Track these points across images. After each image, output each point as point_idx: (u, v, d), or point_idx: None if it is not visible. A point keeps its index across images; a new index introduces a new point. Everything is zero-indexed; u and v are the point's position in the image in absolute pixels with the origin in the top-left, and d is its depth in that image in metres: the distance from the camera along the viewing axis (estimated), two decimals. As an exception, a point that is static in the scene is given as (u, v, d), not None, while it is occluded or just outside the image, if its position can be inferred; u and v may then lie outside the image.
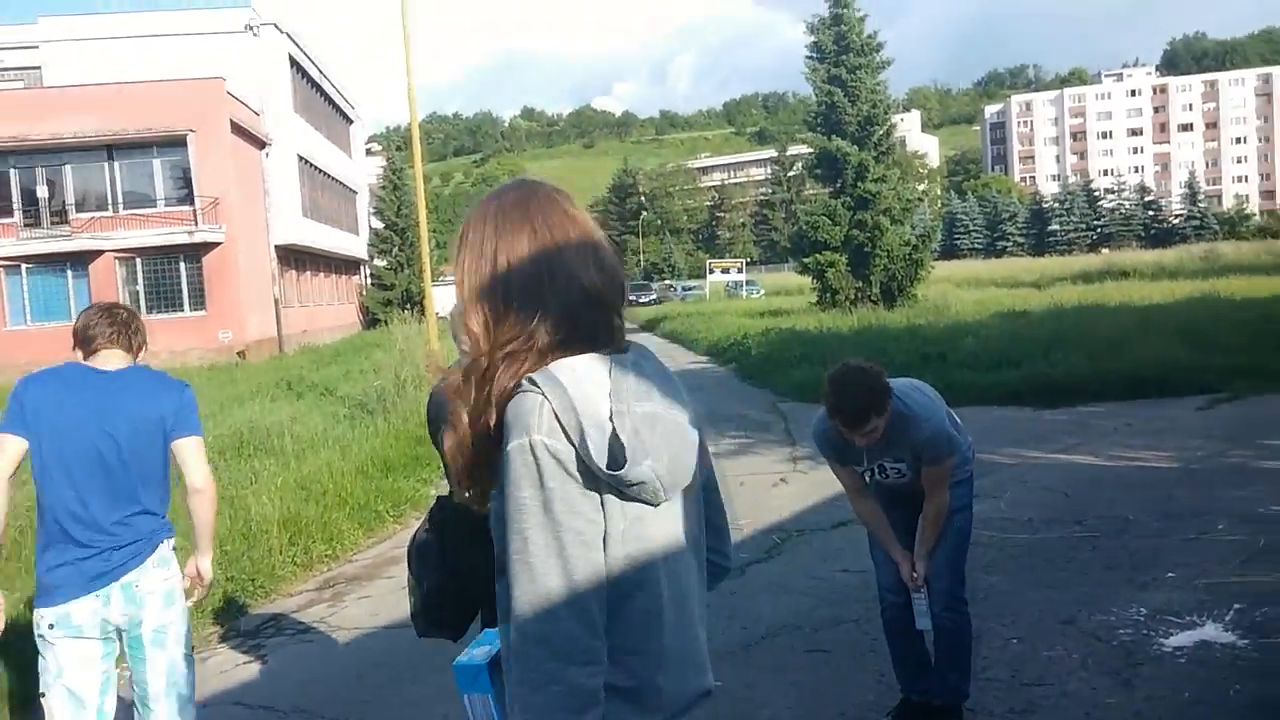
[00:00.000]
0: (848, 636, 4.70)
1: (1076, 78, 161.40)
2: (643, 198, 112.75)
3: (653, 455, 1.29)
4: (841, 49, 27.27)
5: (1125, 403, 11.12)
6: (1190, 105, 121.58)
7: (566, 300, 1.37)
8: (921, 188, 30.47)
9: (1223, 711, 3.66)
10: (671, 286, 60.74)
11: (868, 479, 3.66)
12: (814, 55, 27.90)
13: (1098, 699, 3.84)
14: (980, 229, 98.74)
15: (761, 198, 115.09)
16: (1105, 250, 76.74)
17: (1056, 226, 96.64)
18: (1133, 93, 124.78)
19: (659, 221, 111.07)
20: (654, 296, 54.41)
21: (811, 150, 28.09)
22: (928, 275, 28.58)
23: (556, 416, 1.28)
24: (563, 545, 1.27)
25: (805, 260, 27.55)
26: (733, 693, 4.17)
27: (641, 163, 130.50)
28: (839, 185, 27.31)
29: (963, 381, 12.68)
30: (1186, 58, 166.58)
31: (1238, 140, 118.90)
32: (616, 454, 1.27)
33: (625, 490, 1.29)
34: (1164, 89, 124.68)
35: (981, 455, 8.69)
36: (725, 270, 54.85)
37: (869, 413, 3.29)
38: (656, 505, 1.33)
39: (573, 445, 1.28)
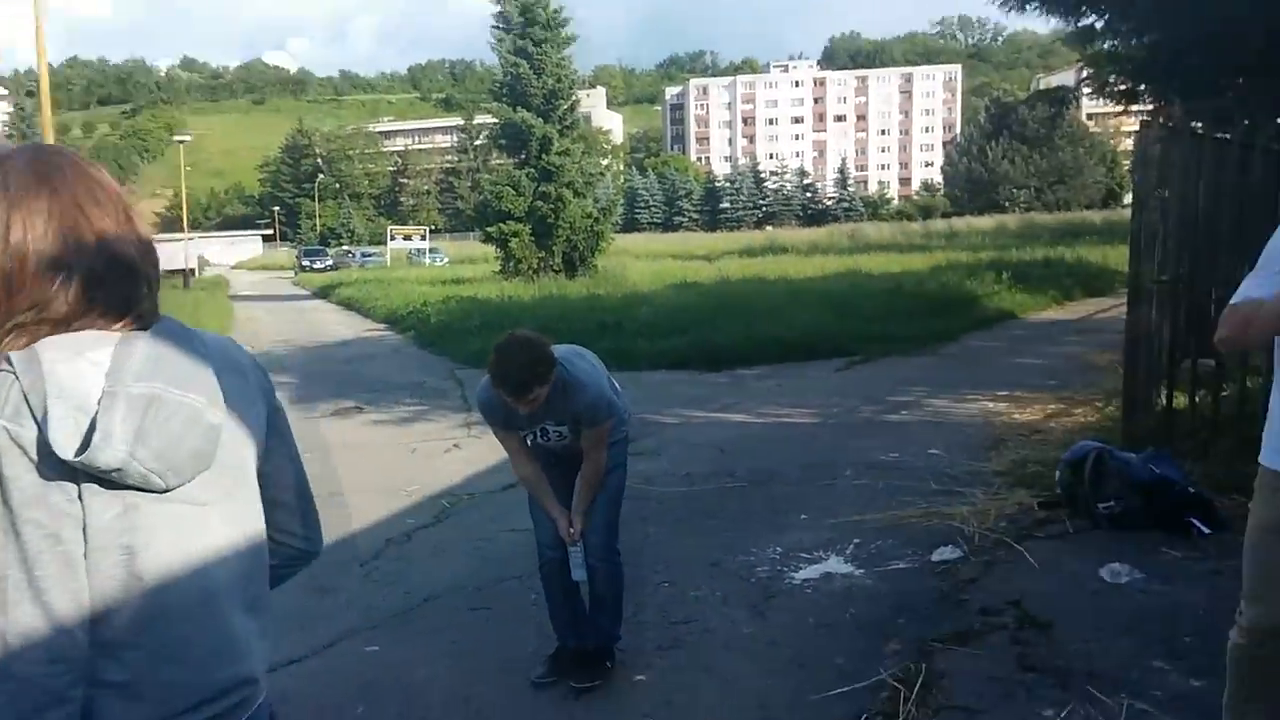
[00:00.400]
0: (511, 593, 4.78)
1: (748, 66, 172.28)
2: (319, 160, 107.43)
3: (140, 439, 1.19)
4: (528, 21, 27.36)
5: (777, 365, 12.10)
6: (844, 98, 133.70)
7: (91, 268, 1.24)
8: (605, 163, 31.41)
9: (838, 631, 4.09)
10: (349, 252, 58.47)
11: (529, 442, 3.73)
12: (500, 25, 27.81)
13: (736, 630, 4.17)
14: (659, 204, 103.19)
15: (447, 165, 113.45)
16: (769, 228, 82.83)
17: (727, 205, 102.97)
18: (796, 84, 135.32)
19: (337, 185, 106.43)
20: (330, 262, 52.17)
21: (497, 121, 28.04)
22: (608, 247, 29.48)
23: (25, 397, 1.17)
24: (21, 537, 1.17)
25: (489, 230, 27.53)
26: (389, 657, 4.12)
27: (318, 123, 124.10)
28: (524, 157, 27.49)
29: (636, 349, 13.26)
30: (843, 54, 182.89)
31: (882, 132, 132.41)
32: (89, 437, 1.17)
33: (106, 476, 1.19)
34: (823, 82, 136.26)
35: (649, 416, 9.21)
36: (407, 237, 53.54)
37: (532, 383, 3.35)
38: (161, 491, 1.25)
39: (38, 427, 1.17)
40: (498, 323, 15.63)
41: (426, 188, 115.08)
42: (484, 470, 7.16)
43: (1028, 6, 10.85)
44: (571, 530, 3.74)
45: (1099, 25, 10.74)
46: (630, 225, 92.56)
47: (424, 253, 51.13)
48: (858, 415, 8.83)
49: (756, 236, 56.89)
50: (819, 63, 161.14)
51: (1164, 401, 6.37)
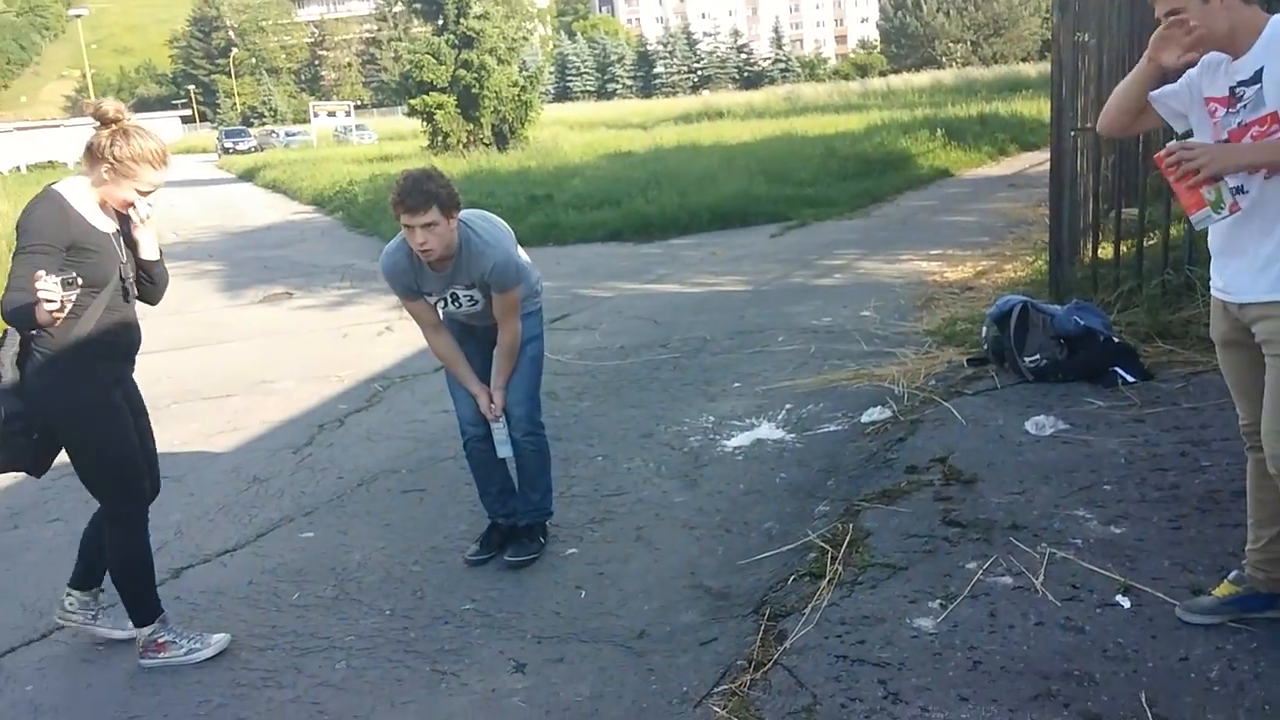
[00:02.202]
0: (445, 473, 4.75)
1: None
2: (231, 33, 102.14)
3: None
4: None
5: (711, 233, 12.01)
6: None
7: None
8: (530, 27, 30.18)
9: (768, 496, 4.14)
10: (273, 132, 56.24)
11: (441, 311, 3.65)
12: (404, -125, 26.24)
13: (668, 500, 4.20)
14: (591, 71, 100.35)
15: (367, 35, 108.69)
16: (705, 92, 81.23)
17: (661, 69, 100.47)
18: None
19: (254, 60, 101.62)
20: (253, 143, 50.16)
21: (410, -19, 26.77)
22: (538, 117, 28.67)
23: None
24: None
25: (412, 102, 26.57)
26: (323, 543, 4.09)
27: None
28: (441, 22, 26.35)
29: (568, 221, 13.05)
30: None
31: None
32: None
33: None
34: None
35: (582, 290, 9.13)
36: (332, 114, 51.67)
37: (430, 201, 3.33)
38: None
39: None
40: (426, 200, 15.27)
41: (348, 60, 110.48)
42: (415, 353, 7.04)
43: None
44: (492, 405, 3.68)
45: None
46: (563, 94, 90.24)
47: (351, 130, 49.44)
48: (790, 280, 8.82)
49: (693, 102, 55.74)
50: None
51: (1090, 252, 6.42)
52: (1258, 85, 2.38)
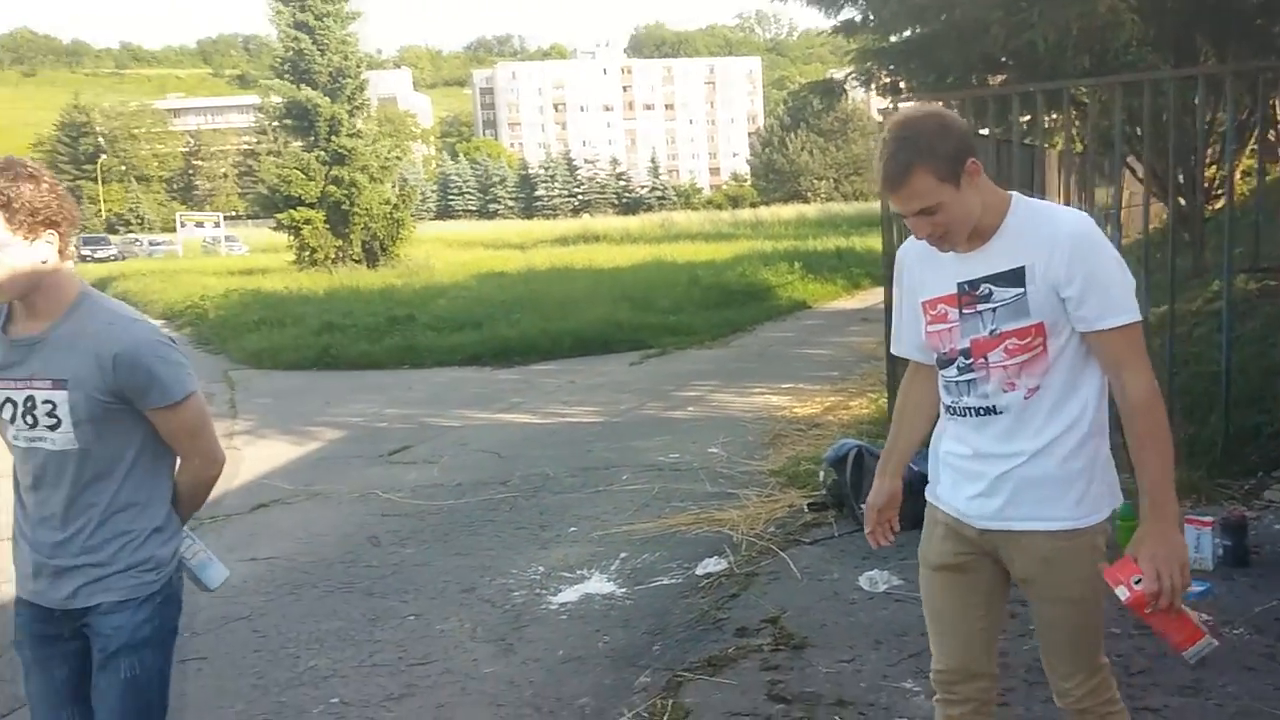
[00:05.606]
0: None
1: (556, 52, 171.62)
2: (100, 138, 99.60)
3: None
4: (306, -7, 26.02)
5: (572, 359, 11.83)
6: (653, 87, 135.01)
7: None
8: (415, 147, 30.26)
9: (587, 664, 3.80)
10: (137, 240, 54.49)
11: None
12: (277, -2, 26.33)
13: (478, 670, 3.81)
14: (474, 191, 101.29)
15: (245, 147, 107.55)
16: (585, 215, 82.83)
17: (543, 192, 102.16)
18: (604, 71, 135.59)
19: (123, 167, 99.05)
20: (114, 251, 48.39)
21: (282, 99, 26.59)
22: (410, 235, 28.55)
23: None
24: None
25: (279, 216, 26.11)
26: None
27: (98, 99, 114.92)
28: (313, 139, 26.18)
29: (426, 343, 12.74)
30: (649, 43, 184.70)
31: (690, 121, 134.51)
32: None
33: None
34: (631, 70, 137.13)
35: (430, 419, 8.76)
36: (199, 224, 50.39)
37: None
38: None
39: None
40: (278, 318, 14.74)
41: (224, 171, 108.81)
42: (234, 487, 6.52)
43: (789, -1, 11.24)
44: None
45: (858, 19, 11.00)
46: (445, 212, 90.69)
47: (219, 240, 48.25)
48: (643, 412, 8.65)
49: (572, 225, 56.64)
50: (625, 51, 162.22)
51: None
52: (1018, 289, 1.99)
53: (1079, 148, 7.99)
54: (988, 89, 8.52)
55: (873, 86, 11.45)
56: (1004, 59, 9.88)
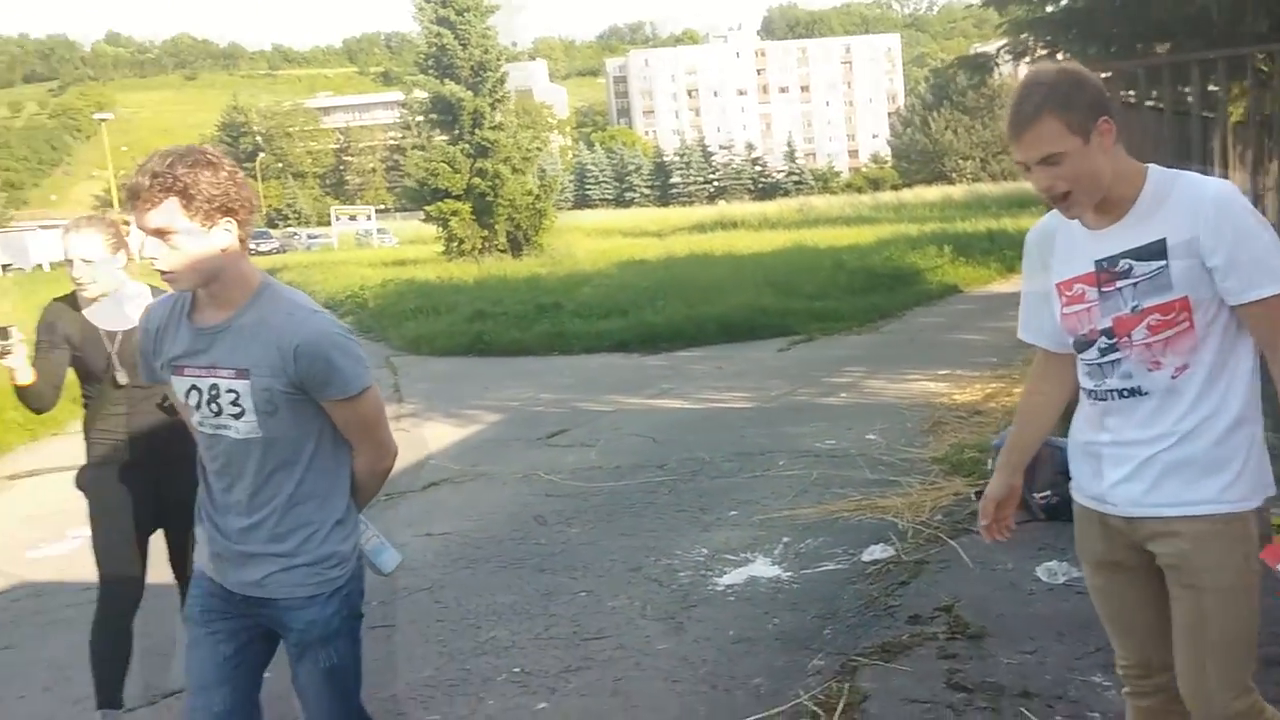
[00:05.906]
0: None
1: (688, 37, 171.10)
2: (258, 138, 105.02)
3: None
4: (448, -10, 26.73)
5: (718, 346, 11.85)
6: (788, 69, 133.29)
7: None
8: (552, 137, 30.98)
9: (759, 645, 3.83)
10: (296, 234, 57.31)
11: (194, 416, 2.24)
12: (420, -5, 27.13)
13: (651, 647, 3.89)
14: (609, 180, 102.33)
15: (391, 142, 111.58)
16: (721, 202, 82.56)
17: (678, 179, 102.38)
18: (738, 54, 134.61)
19: (279, 165, 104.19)
20: (276, 245, 51.03)
21: (427, 94, 27.45)
22: (553, 224, 29.07)
23: None
24: None
25: (428, 209, 26.99)
26: None
27: (254, 100, 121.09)
28: (457, 132, 26.94)
29: (574, 330, 12.97)
30: (781, 25, 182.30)
31: (827, 104, 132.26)
32: None
33: None
34: (764, 53, 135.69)
35: (583, 404, 8.93)
36: (352, 218, 52.61)
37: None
38: None
39: None
40: (432, 307, 15.25)
41: (372, 165, 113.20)
42: (402, 468, 6.81)
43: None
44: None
45: (1014, -12, 10.59)
46: (582, 202, 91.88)
47: (371, 233, 50.29)
48: (795, 398, 8.60)
49: (708, 211, 56.59)
50: (758, 33, 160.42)
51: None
52: (1159, 262, 1.91)
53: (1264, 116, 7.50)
54: (1162, 56, 8.08)
55: (1026, 60, 11.01)
56: (1171, 26, 9.34)
